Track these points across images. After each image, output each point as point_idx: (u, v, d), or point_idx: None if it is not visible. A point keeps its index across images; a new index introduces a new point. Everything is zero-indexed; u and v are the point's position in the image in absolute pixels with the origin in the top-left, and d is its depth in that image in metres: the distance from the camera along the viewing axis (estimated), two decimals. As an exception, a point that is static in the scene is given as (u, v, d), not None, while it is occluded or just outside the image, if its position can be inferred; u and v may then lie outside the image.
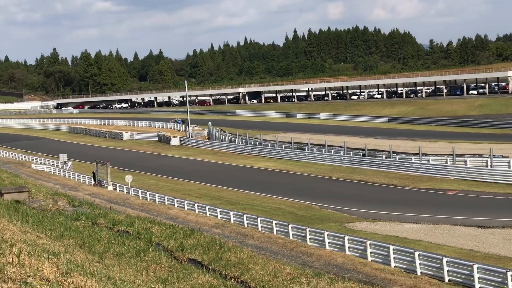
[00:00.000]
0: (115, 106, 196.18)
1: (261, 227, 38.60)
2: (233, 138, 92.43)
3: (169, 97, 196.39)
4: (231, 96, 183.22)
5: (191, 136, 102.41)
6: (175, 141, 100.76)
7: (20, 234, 17.52)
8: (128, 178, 58.45)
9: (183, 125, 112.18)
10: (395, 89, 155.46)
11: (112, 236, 31.91)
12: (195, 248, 31.34)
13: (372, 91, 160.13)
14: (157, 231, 34.91)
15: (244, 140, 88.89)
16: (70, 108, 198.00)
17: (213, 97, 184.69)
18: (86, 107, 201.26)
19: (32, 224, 27.20)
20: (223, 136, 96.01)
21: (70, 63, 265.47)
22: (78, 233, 30.87)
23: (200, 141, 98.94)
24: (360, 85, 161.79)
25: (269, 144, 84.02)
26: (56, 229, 28.96)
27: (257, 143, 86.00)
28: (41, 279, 7.75)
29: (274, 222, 37.79)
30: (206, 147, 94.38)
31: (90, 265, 16.36)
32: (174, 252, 30.98)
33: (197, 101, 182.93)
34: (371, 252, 30.45)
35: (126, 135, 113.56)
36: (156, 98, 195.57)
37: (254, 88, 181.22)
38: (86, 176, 68.37)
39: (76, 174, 71.07)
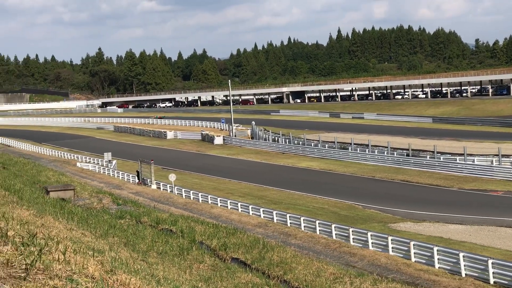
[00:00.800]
0: (159, 105, 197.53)
1: (304, 226, 38.55)
2: (276, 138, 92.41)
3: (212, 97, 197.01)
4: (274, 96, 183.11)
5: (235, 135, 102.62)
6: (218, 140, 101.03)
7: (66, 232, 17.71)
8: (172, 177, 58.73)
9: (226, 125, 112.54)
10: (440, 88, 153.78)
11: (156, 235, 32.13)
12: (238, 247, 31.39)
13: (417, 91, 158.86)
14: (201, 230, 35.05)
15: (287, 140, 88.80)
16: (114, 107, 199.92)
17: (256, 97, 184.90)
18: (130, 106, 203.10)
19: (77, 222, 27.46)
20: (267, 136, 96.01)
21: (115, 62, 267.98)
22: (122, 231, 31.12)
23: (244, 141, 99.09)
24: (404, 85, 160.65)
25: (312, 144, 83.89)
26: (100, 227, 29.21)
27: (301, 142, 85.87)
28: (86, 276, 7.82)
29: (317, 221, 37.71)
30: (250, 147, 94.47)
31: (134, 263, 16.48)
32: (217, 251, 31.07)
33: (240, 100, 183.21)
34: (414, 253, 30.24)
35: (170, 134, 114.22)
36: (199, 98, 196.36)
37: (297, 88, 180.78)
38: (130, 175, 68.98)
39: (121, 172, 71.69)
